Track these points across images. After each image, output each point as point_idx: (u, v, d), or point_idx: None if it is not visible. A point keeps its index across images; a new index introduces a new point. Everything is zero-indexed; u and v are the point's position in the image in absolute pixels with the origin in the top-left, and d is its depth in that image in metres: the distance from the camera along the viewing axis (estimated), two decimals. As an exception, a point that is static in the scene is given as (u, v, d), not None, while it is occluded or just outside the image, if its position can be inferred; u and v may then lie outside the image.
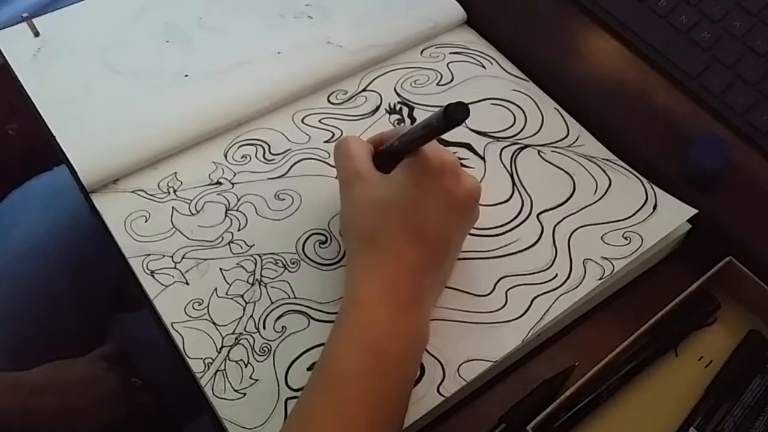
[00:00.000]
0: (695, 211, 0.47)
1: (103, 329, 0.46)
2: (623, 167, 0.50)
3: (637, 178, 0.50)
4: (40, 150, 0.51)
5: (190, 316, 0.43)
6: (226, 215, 0.47)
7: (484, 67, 0.56)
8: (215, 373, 0.41)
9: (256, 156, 0.50)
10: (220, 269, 0.45)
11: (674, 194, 0.49)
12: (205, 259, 0.45)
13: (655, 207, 0.48)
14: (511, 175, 0.50)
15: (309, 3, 0.58)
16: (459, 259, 0.45)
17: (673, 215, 0.47)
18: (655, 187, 0.49)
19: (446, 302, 0.43)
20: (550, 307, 0.43)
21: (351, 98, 0.54)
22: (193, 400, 0.41)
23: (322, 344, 0.41)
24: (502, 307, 0.43)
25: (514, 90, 0.55)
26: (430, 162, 0.39)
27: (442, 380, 0.41)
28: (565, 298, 0.44)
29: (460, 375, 0.41)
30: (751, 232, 0.47)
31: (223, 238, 0.46)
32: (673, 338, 0.45)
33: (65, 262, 0.48)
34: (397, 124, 0.52)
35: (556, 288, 0.44)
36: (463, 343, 0.42)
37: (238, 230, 0.46)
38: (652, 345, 0.44)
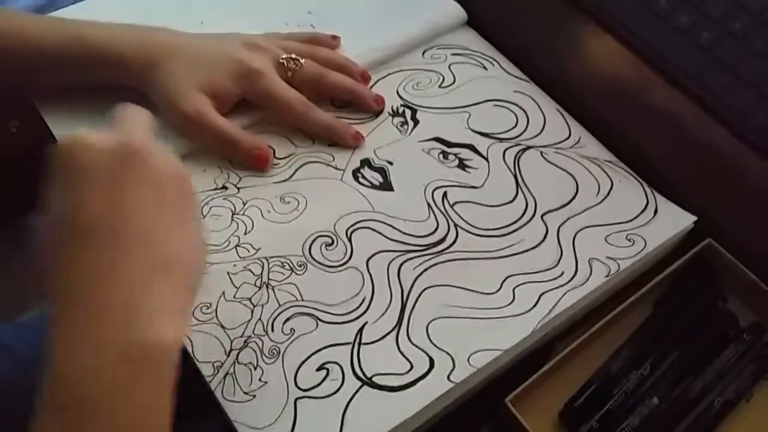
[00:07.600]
0: (694, 218, 0.48)
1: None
2: (624, 169, 0.51)
3: (638, 181, 0.50)
4: (41, 148, 0.51)
5: (199, 320, 0.43)
6: (232, 219, 0.47)
7: (486, 69, 0.56)
8: (225, 377, 0.41)
9: (260, 160, 0.50)
10: (228, 273, 0.45)
11: (674, 196, 0.49)
12: (212, 263, 0.45)
13: (655, 212, 0.48)
14: (515, 176, 0.50)
15: (311, 11, 0.59)
16: (464, 259, 0.46)
17: (673, 221, 0.48)
18: (655, 192, 0.49)
19: (453, 301, 0.44)
20: (558, 302, 0.44)
21: (354, 101, 0.54)
22: (201, 403, 0.41)
23: (330, 345, 0.42)
24: (510, 303, 0.44)
25: (516, 91, 0.55)
26: None
27: (452, 369, 0.41)
28: (573, 293, 0.44)
29: (470, 363, 0.41)
30: (749, 234, 0.47)
31: (229, 242, 0.46)
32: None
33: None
34: (401, 126, 0.52)
35: (563, 285, 0.44)
36: (472, 337, 0.42)
37: (245, 234, 0.46)
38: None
